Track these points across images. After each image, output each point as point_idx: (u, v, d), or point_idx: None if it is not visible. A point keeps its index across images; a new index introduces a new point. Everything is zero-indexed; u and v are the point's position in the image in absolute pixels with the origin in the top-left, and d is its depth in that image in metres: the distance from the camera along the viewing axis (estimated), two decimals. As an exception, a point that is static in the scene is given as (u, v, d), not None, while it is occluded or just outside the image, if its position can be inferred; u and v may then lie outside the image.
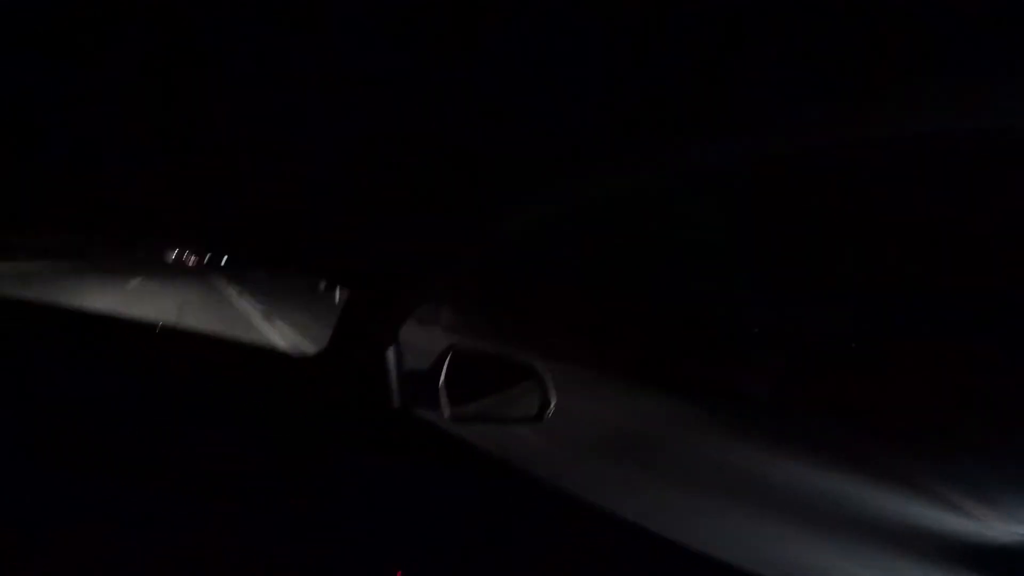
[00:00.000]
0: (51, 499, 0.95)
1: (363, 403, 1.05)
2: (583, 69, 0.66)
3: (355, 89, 0.73)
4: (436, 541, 0.90)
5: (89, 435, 1.03)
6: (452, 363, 1.04)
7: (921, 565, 3.08)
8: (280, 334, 8.41)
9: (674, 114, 0.65)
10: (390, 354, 1.04)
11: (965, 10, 0.46)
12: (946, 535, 3.53)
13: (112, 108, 0.91)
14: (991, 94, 0.50)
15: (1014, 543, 3.75)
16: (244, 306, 11.97)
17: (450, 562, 0.86)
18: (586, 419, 5.33)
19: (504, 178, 0.79)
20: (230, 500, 0.99)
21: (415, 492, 0.99)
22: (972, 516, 4.17)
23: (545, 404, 1.12)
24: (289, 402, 1.03)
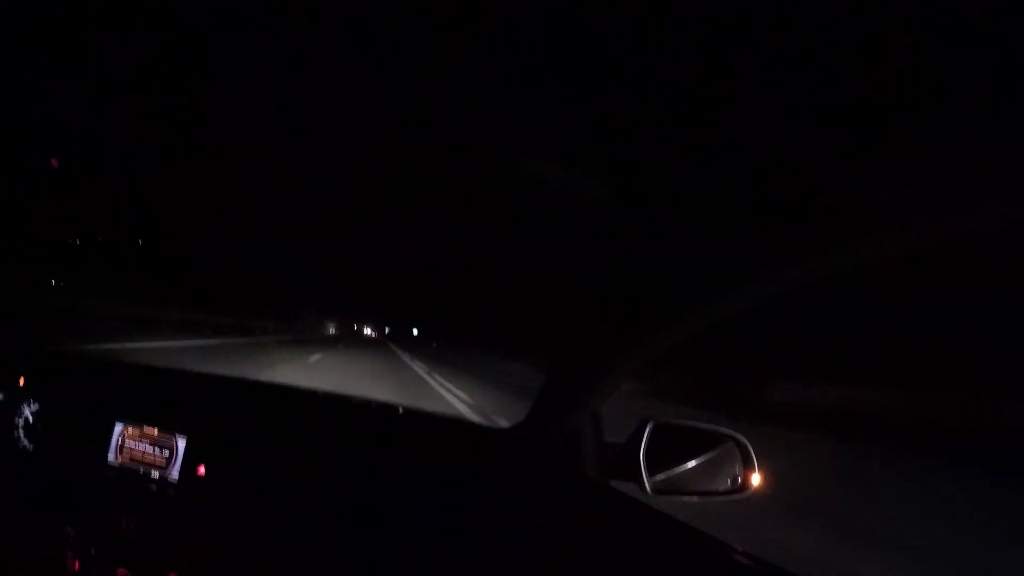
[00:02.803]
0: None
1: (558, 474, 1.04)
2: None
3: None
4: None
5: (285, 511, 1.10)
6: (652, 435, 1.02)
7: None
8: (465, 407, 8.35)
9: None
10: (587, 425, 1.03)
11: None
12: None
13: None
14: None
15: None
16: (427, 377, 12.33)
17: None
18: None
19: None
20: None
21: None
22: None
23: (748, 474, 1.06)
24: (487, 473, 1.04)
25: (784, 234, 0.71)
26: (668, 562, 0.96)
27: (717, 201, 0.83)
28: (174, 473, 1.19)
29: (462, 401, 8.48)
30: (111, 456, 1.23)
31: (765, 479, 1.07)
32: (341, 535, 1.07)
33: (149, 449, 1.22)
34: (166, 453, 1.20)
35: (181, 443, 1.19)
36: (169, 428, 1.20)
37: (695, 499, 1.07)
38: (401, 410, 1.27)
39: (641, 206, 0.92)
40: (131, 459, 1.22)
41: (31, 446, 1.30)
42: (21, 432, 1.31)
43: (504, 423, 1.15)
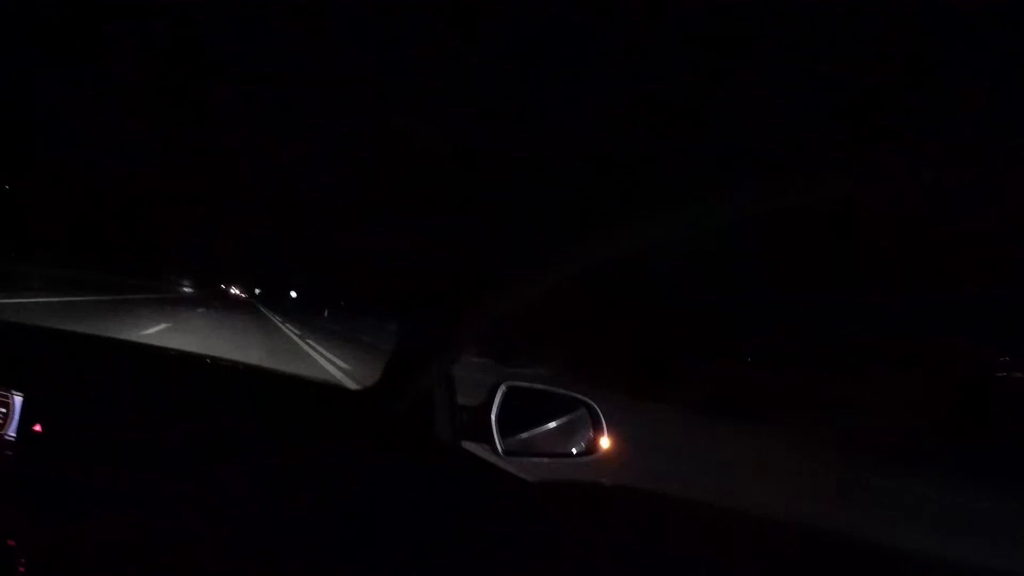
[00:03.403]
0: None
1: (412, 437, 1.05)
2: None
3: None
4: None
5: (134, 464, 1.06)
6: (504, 399, 1.04)
7: None
8: (332, 365, 8.28)
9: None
10: (440, 387, 1.04)
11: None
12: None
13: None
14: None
15: None
16: (292, 336, 11.82)
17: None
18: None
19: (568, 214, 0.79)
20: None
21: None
22: None
23: (597, 438, 1.10)
24: (343, 435, 1.04)
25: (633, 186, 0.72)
26: (508, 516, 0.99)
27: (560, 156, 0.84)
28: (10, 432, 1.11)
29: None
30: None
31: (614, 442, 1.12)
32: (185, 501, 1.04)
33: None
34: (1, 411, 1.12)
35: (17, 400, 1.11)
36: (3, 384, 1.12)
37: (546, 460, 1.11)
38: (257, 372, 1.24)
39: (485, 164, 0.92)
40: (-43, 418, 1.13)
41: None
42: None
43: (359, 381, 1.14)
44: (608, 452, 1.09)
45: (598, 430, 1.09)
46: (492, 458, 1.04)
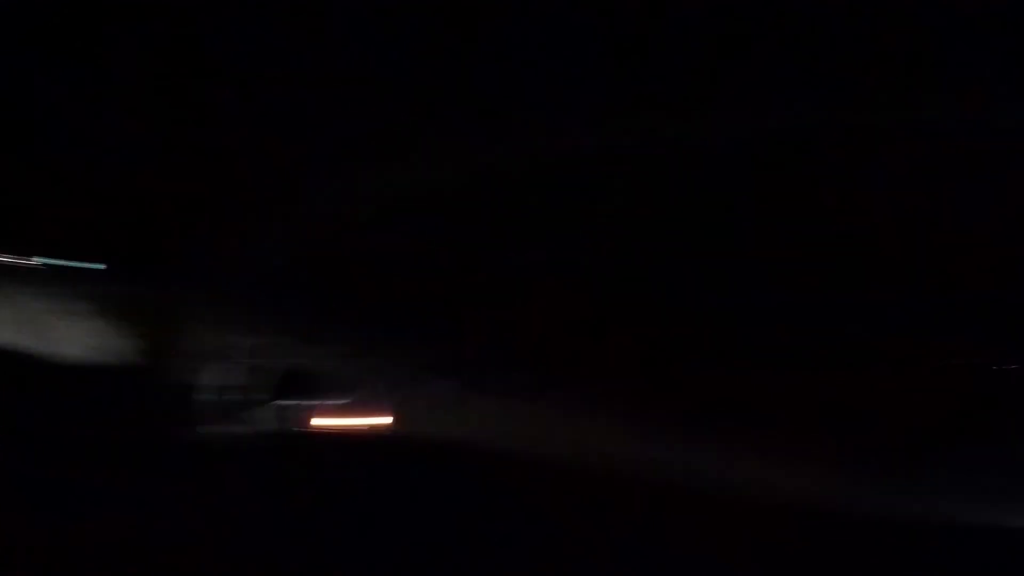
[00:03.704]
0: None
1: (174, 421, 1.05)
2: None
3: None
4: None
5: None
6: (282, 381, 1.05)
7: None
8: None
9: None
10: (204, 373, 1.05)
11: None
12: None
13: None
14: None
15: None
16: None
17: None
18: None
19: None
20: None
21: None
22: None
23: (376, 415, 1.11)
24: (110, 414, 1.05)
25: None
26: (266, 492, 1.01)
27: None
28: None
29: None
30: None
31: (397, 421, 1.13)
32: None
33: None
34: None
35: None
36: None
37: (328, 437, 1.13)
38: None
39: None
40: None
41: None
42: None
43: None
44: (389, 427, 1.10)
45: (380, 410, 1.11)
46: (255, 439, 1.05)
